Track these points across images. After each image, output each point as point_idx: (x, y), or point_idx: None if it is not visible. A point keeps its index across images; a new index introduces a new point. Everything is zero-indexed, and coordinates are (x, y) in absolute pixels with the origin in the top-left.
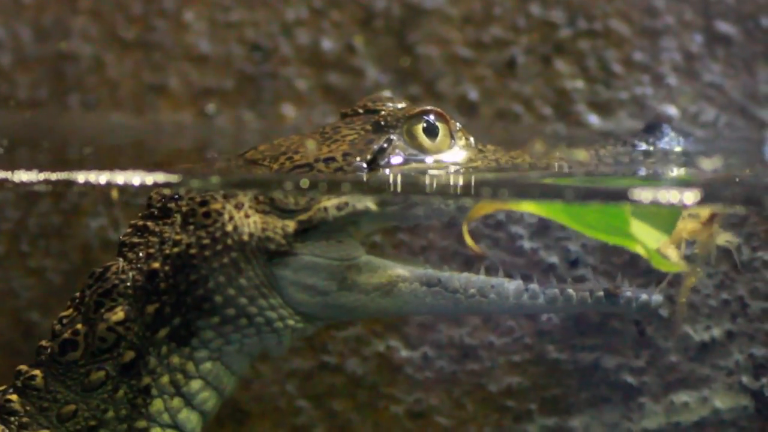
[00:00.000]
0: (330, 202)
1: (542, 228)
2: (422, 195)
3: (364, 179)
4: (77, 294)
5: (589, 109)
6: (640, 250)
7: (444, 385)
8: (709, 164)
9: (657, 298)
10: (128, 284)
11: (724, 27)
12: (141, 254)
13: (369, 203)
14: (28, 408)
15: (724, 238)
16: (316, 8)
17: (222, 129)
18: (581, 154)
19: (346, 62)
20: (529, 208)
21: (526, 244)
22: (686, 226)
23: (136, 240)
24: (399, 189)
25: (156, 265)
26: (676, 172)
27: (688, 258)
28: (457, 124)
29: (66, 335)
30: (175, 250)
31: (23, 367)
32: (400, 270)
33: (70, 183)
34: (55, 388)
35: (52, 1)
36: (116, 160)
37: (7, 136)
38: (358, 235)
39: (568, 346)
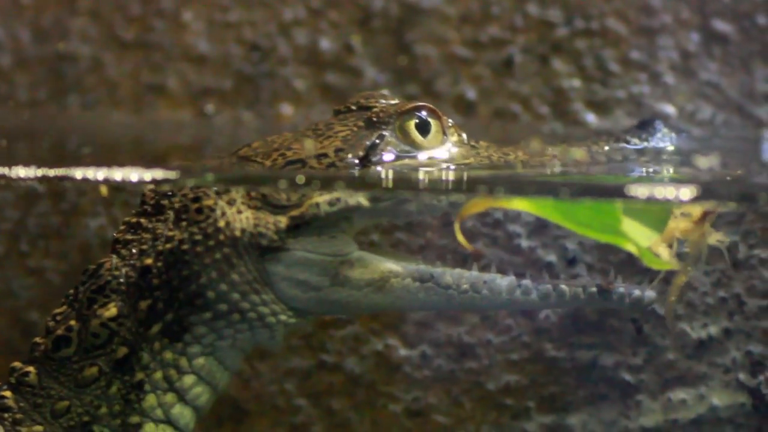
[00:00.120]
0: (322, 198)
1: (540, 227)
2: (414, 192)
3: (357, 175)
4: (71, 291)
5: (587, 107)
6: (631, 248)
7: (442, 383)
8: (705, 162)
9: (650, 294)
10: (121, 281)
11: (721, 26)
12: (134, 251)
13: (361, 199)
14: (21, 404)
15: (716, 237)
16: (314, 8)
17: (220, 127)
18: (578, 153)
19: (344, 62)
20: (520, 205)
21: (524, 243)
22: (678, 225)
23: (129, 237)
24: (391, 185)
25: (149, 261)
26: (668, 169)
27: (679, 256)
28: (450, 120)
29: (59, 332)
30: (168, 246)
31: (17, 364)
32: (393, 266)
33: (67, 179)
34: (48, 384)
35: (51, 1)
36: (114, 157)
37: (6, 133)
38: (350, 230)
39: (565, 344)
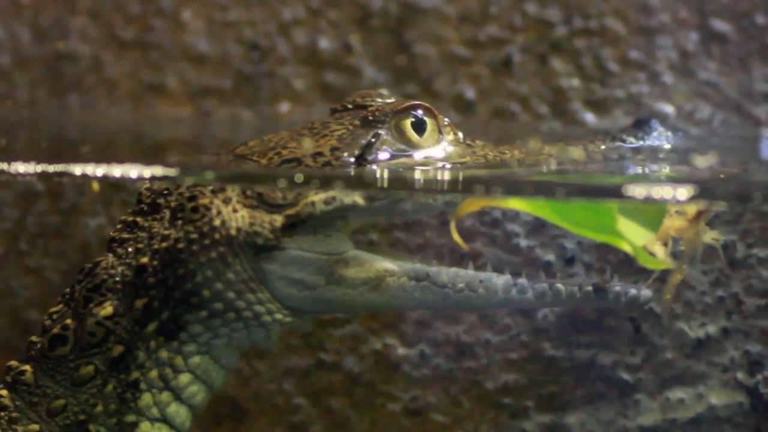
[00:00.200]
0: (317, 197)
1: (538, 226)
2: (410, 190)
3: (353, 174)
4: (67, 289)
5: (585, 107)
6: (626, 247)
7: (441, 382)
8: (703, 162)
9: (646, 293)
10: (117, 279)
11: (720, 25)
12: (130, 249)
13: (356, 198)
14: (18, 403)
15: (711, 236)
16: (313, 8)
17: (219, 124)
18: (576, 153)
19: (343, 61)
20: (516, 204)
21: (522, 242)
22: (673, 224)
23: (125, 235)
24: (386, 184)
25: (144, 260)
26: (664, 168)
27: (675, 255)
28: (445, 119)
29: (55, 330)
30: (164, 245)
31: (13, 363)
32: (388, 264)
33: (66, 175)
34: (44, 383)
35: (51, 1)
36: (113, 153)
37: (5, 131)
38: (346, 229)
39: (564, 343)
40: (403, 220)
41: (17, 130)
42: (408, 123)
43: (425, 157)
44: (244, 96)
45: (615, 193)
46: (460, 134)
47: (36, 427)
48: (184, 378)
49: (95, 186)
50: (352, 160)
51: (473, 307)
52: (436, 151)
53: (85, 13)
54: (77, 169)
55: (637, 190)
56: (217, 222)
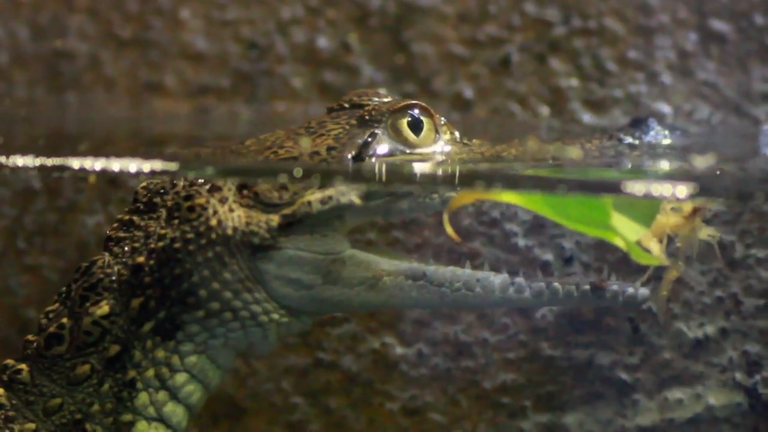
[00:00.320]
0: (314, 196)
1: (537, 226)
2: (407, 186)
3: (350, 171)
4: (64, 288)
5: (584, 107)
6: (619, 242)
7: (439, 382)
8: (702, 162)
9: (643, 292)
10: (113, 278)
11: (719, 25)
12: (126, 249)
13: (353, 197)
14: (14, 402)
15: (707, 232)
16: (312, 6)
17: (217, 120)
18: (574, 152)
19: (342, 60)
20: (510, 198)
21: (521, 242)
22: (669, 221)
23: (121, 234)
24: (384, 178)
25: (141, 259)
26: (661, 165)
27: (671, 252)
28: (442, 118)
29: (51, 329)
30: (160, 244)
31: (10, 361)
32: (385, 264)
33: (65, 168)
34: (41, 381)
35: None
36: (112, 148)
37: (3, 127)
38: (342, 229)
39: (562, 343)
40: (400, 220)
41: (15, 126)
42: (404, 122)
43: (421, 155)
44: (243, 94)
45: (611, 188)
46: (457, 133)
47: (32, 426)
48: (181, 377)
49: (92, 178)
50: (349, 159)
51: (470, 306)
52: (433, 150)
53: (83, 11)
54: (75, 163)
55: (636, 187)
56: (213, 221)
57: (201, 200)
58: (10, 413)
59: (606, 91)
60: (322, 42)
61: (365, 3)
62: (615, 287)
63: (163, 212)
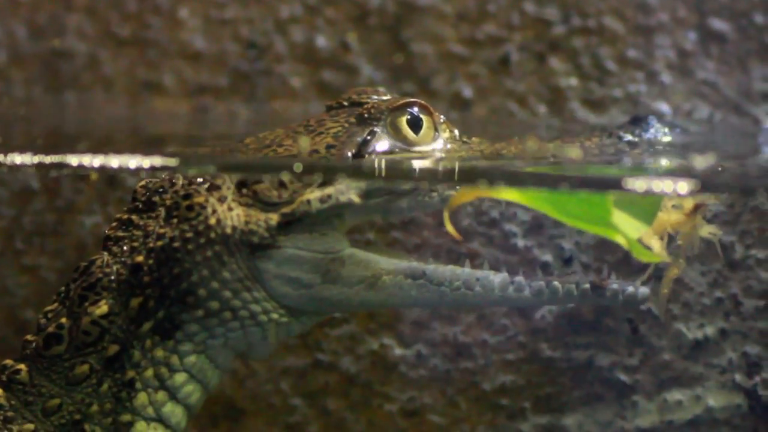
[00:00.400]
0: (313, 195)
1: (536, 226)
2: (407, 182)
3: (349, 166)
4: (62, 288)
5: (583, 106)
6: (620, 240)
7: (438, 383)
8: (702, 161)
9: (643, 290)
10: (112, 278)
11: (718, 24)
12: (125, 248)
13: (352, 196)
14: (13, 402)
15: (708, 230)
16: (311, 5)
17: (215, 121)
18: (573, 152)
19: (341, 59)
20: (510, 195)
21: (520, 242)
22: (670, 218)
23: (120, 234)
24: (384, 174)
25: (140, 258)
26: (662, 162)
27: (672, 250)
28: (441, 116)
29: (50, 329)
30: (159, 243)
31: (8, 362)
32: (385, 263)
33: (63, 166)
34: (39, 382)
35: None
36: (111, 145)
37: (1, 126)
38: (342, 228)
39: (561, 344)
40: (400, 218)
41: (14, 125)
42: (404, 120)
43: (421, 153)
44: (241, 94)
45: (613, 185)
46: (456, 131)
47: (31, 426)
48: (180, 377)
49: (93, 176)
50: (348, 157)
51: (470, 306)
52: (432, 149)
53: (81, 10)
54: (74, 160)
55: (636, 183)
56: (212, 220)
57: (200, 199)
58: (9, 414)
59: (605, 90)
60: (321, 41)
61: (364, 2)
62: (615, 286)
63: (162, 211)
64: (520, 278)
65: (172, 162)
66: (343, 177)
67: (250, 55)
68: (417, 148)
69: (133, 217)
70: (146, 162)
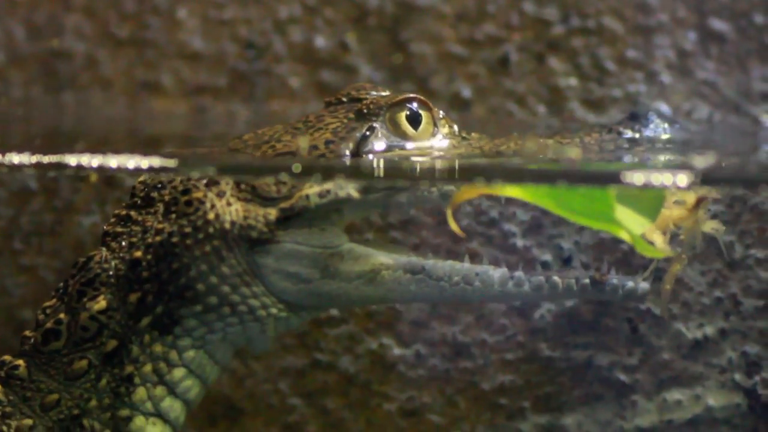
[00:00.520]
0: (312, 190)
1: (535, 226)
2: (407, 180)
3: (349, 165)
4: (61, 284)
5: (583, 106)
6: (624, 235)
7: (437, 383)
8: (701, 161)
9: (644, 285)
10: (111, 273)
11: (718, 24)
12: (124, 243)
13: (351, 191)
14: (11, 398)
15: (710, 225)
16: (310, 6)
17: (214, 121)
18: (573, 152)
19: (340, 60)
20: (513, 192)
21: (519, 242)
22: (672, 213)
23: (119, 229)
24: (382, 173)
25: (138, 254)
26: (662, 157)
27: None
28: (441, 111)
29: (49, 325)
30: (158, 239)
31: (7, 357)
32: (384, 258)
33: (61, 166)
34: (38, 377)
35: None
36: (109, 146)
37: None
38: (341, 223)
39: (561, 343)
40: (399, 214)
41: (12, 126)
42: (403, 116)
43: (420, 149)
44: (240, 94)
45: (614, 179)
46: (456, 127)
47: (29, 421)
48: (179, 372)
49: (93, 177)
50: (347, 153)
51: (469, 301)
52: (432, 144)
53: (79, 10)
54: (72, 160)
55: (636, 177)
56: (211, 215)
57: (198, 194)
58: (7, 409)
59: (605, 90)
60: (320, 41)
61: (363, 2)
62: (615, 281)
63: (161, 207)
64: (519, 273)
65: (171, 163)
66: (342, 177)
67: (249, 56)
68: (416, 144)
69: (132, 213)
70: (145, 162)
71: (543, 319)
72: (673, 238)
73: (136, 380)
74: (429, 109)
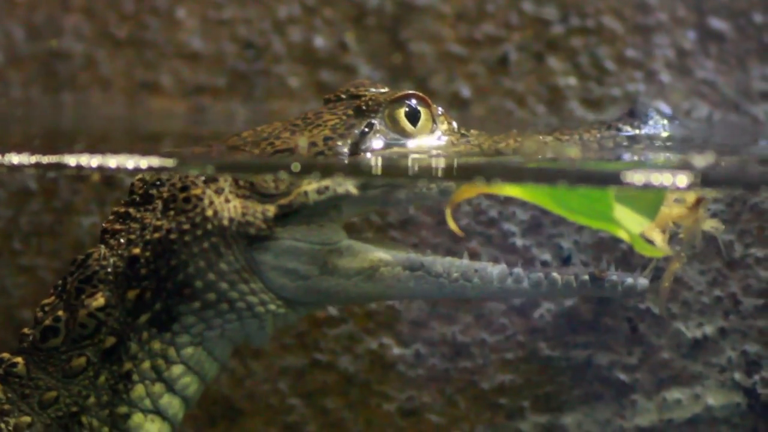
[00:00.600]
0: (310, 187)
1: (535, 225)
2: (405, 178)
3: (348, 163)
4: (60, 281)
5: (582, 105)
6: (623, 234)
7: (436, 382)
8: (701, 160)
9: (643, 282)
10: (109, 270)
11: (717, 23)
12: (122, 240)
13: (350, 187)
14: (9, 395)
15: (710, 224)
16: (309, 5)
17: (213, 118)
18: (572, 151)
19: (339, 59)
20: (512, 191)
21: (519, 242)
22: (672, 211)
23: (117, 227)
24: (380, 172)
25: (137, 251)
26: (662, 156)
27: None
28: (439, 108)
29: (47, 322)
30: (156, 235)
31: (5, 355)
32: (382, 254)
33: (61, 166)
34: (36, 375)
35: None
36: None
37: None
38: (339, 219)
39: (560, 343)
40: (398, 210)
41: (11, 126)
42: (402, 112)
43: (419, 146)
44: (239, 94)
45: (614, 180)
46: (455, 124)
47: (28, 419)
48: (177, 369)
49: (94, 176)
50: (346, 150)
51: (468, 297)
52: (430, 141)
53: (78, 10)
54: (72, 160)
55: (637, 177)
56: (209, 212)
57: (197, 191)
58: (6, 407)
59: (604, 89)
60: (319, 41)
61: (362, 2)
62: (614, 277)
63: (159, 204)
64: (518, 270)
65: (170, 162)
66: (341, 175)
67: (248, 56)
68: (415, 140)
69: (131, 210)
70: (144, 162)
71: (543, 318)
72: (672, 237)
73: (135, 377)
74: (428, 106)
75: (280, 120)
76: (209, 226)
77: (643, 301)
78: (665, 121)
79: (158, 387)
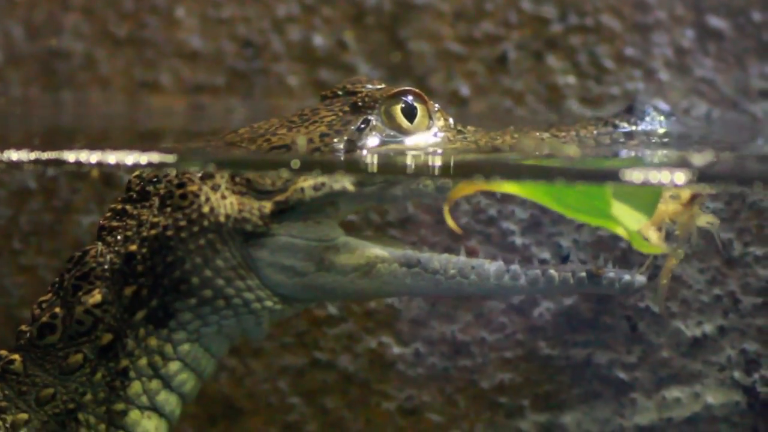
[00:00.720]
0: (307, 183)
1: (534, 224)
2: (401, 176)
3: (344, 160)
4: (57, 278)
5: (581, 104)
6: (621, 231)
7: (436, 381)
8: (699, 159)
9: (640, 279)
10: (106, 267)
11: (716, 22)
12: (119, 237)
13: (346, 183)
14: (6, 392)
15: (705, 220)
16: (307, 4)
17: (212, 118)
18: (571, 150)
19: (338, 58)
20: (510, 188)
21: (518, 240)
22: (667, 208)
23: (114, 223)
24: (376, 169)
25: (133, 247)
26: (659, 153)
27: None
28: (436, 104)
29: (44, 319)
30: (153, 232)
31: (2, 352)
32: (379, 251)
33: (60, 162)
34: (33, 372)
35: None
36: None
37: None
38: (336, 216)
39: (560, 342)
40: (395, 207)
41: (10, 124)
42: (398, 109)
43: (416, 143)
44: (238, 93)
45: (611, 177)
46: (451, 120)
47: (25, 416)
48: (174, 366)
49: (94, 173)
50: (342, 146)
51: (465, 294)
52: (427, 137)
53: (78, 9)
54: (71, 156)
55: (634, 174)
56: (205, 209)
57: (193, 188)
58: (3, 404)
59: (603, 88)
60: (318, 40)
61: (361, 1)
62: (611, 274)
63: (156, 200)
64: (515, 267)
65: (170, 158)
66: (338, 171)
67: (247, 54)
68: (411, 137)
69: (127, 206)
70: (143, 158)
71: (542, 317)
72: (669, 234)
73: (132, 374)
74: (424, 102)
75: (277, 117)
76: (206, 223)
77: (642, 300)
78: (662, 118)
79: (155, 384)
